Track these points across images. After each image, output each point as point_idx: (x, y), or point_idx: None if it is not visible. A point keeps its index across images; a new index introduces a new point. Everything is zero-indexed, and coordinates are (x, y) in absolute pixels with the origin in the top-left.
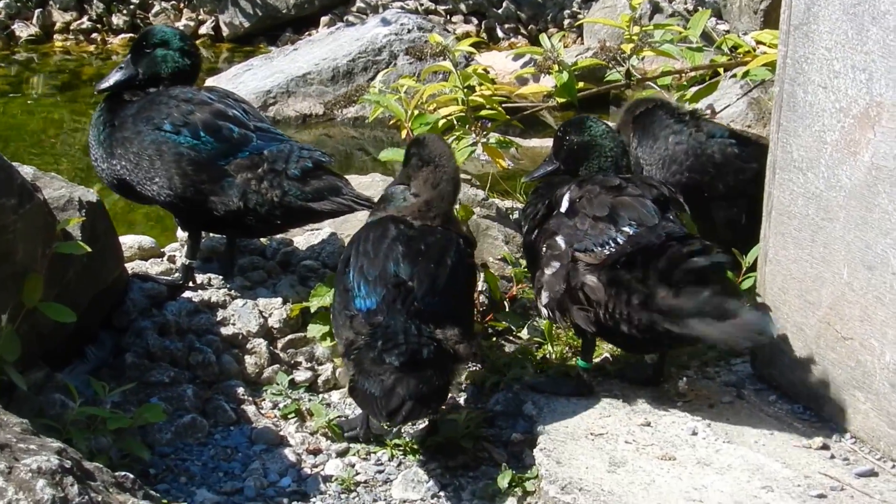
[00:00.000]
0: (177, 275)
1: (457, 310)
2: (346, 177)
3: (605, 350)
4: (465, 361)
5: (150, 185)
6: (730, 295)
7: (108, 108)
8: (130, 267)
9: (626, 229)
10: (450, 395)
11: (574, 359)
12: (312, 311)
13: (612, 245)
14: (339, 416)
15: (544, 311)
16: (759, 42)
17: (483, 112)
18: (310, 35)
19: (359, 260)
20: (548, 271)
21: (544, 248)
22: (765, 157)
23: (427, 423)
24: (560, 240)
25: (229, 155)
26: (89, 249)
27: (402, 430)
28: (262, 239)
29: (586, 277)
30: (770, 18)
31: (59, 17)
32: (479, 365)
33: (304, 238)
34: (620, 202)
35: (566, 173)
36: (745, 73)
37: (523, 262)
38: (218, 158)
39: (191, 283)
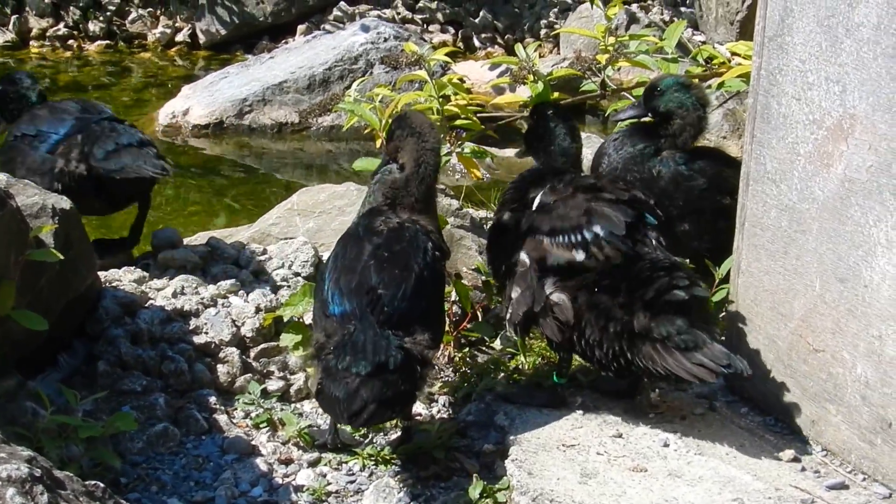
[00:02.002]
0: None
1: (426, 313)
2: (323, 186)
3: (578, 360)
4: (433, 367)
5: None
6: (703, 328)
7: None
8: (103, 275)
9: (598, 230)
10: (421, 405)
11: (546, 369)
12: (285, 320)
13: (580, 244)
14: (310, 426)
15: (510, 329)
16: (734, 53)
17: (458, 122)
18: (286, 43)
19: (336, 272)
20: (515, 291)
21: (511, 264)
22: (714, 170)
23: (401, 431)
24: (524, 256)
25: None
26: (62, 257)
27: (375, 440)
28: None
29: (554, 296)
30: (746, 30)
31: (36, 24)
32: (452, 374)
33: (277, 247)
34: (593, 209)
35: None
36: (720, 85)
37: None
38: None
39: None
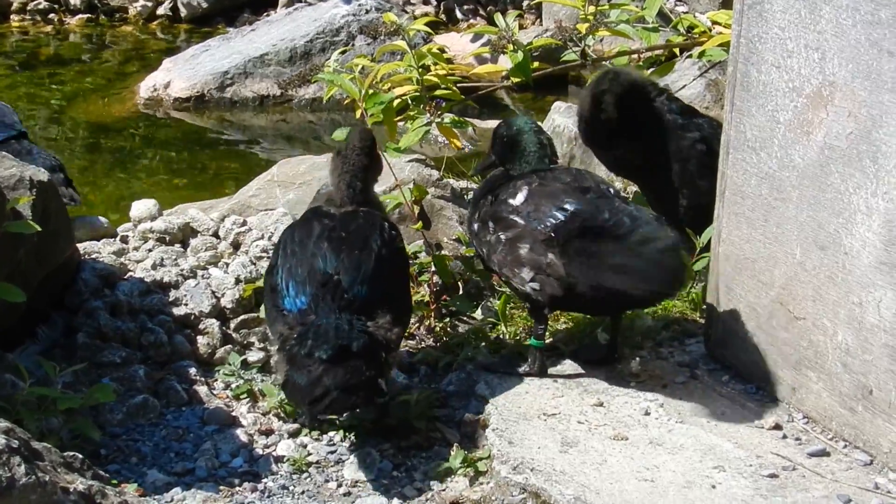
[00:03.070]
0: None
1: (388, 295)
2: (303, 157)
3: (560, 330)
4: (397, 349)
5: None
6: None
7: None
8: (82, 247)
9: (569, 207)
10: (402, 375)
11: (527, 339)
12: None
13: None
14: None
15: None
16: (714, 22)
17: (438, 92)
18: (268, 15)
19: (287, 260)
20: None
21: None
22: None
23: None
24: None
25: None
26: (39, 229)
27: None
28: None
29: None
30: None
31: None
32: (433, 344)
33: (257, 218)
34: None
35: (501, 165)
36: (702, 54)
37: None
38: None
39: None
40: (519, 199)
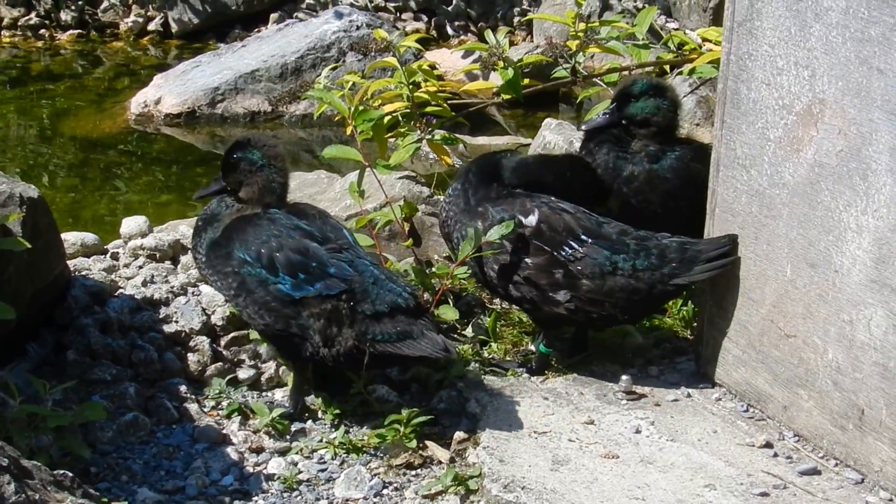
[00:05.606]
0: None
1: None
2: (294, 174)
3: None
4: None
5: None
6: None
7: None
8: (73, 264)
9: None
10: (393, 393)
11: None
12: None
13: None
14: (282, 413)
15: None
16: (705, 39)
17: (428, 108)
18: (259, 32)
19: (271, 254)
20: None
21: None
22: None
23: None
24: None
25: None
26: (29, 245)
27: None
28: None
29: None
30: (719, 16)
31: (7, 13)
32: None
33: None
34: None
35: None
36: (692, 71)
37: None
38: None
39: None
40: None
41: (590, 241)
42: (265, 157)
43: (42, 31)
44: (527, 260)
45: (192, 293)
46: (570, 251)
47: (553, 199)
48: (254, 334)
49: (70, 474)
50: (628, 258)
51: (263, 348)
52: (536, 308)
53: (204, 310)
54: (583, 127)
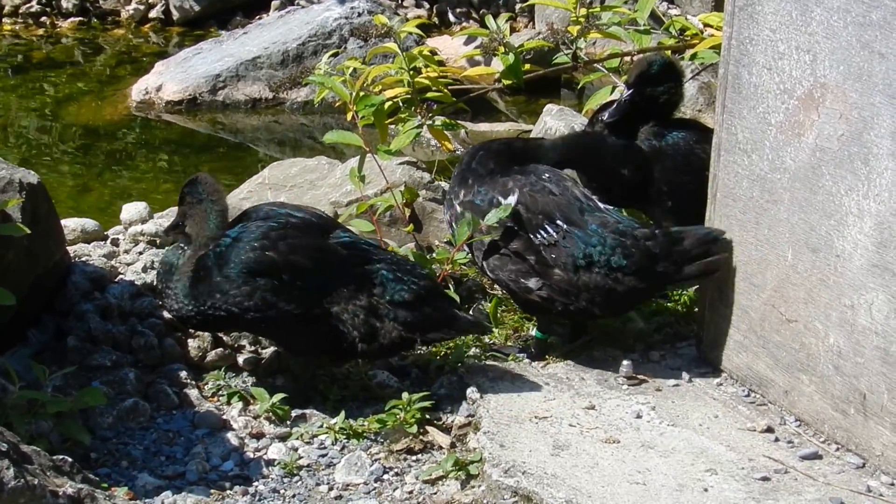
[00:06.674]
0: None
1: None
2: (294, 160)
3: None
4: None
5: None
6: None
7: None
8: (73, 250)
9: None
10: (394, 378)
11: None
12: None
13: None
14: (283, 398)
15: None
16: (706, 24)
17: (429, 94)
18: (260, 19)
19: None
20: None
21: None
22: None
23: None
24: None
25: None
26: (28, 231)
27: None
28: None
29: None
30: (720, 1)
31: (8, 1)
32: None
33: None
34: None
35: None
36: (693, 56)
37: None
38: None
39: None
40: None
41: (565, 227)
42: (205, 192)
43: (43, 18)
44: (503, 242)
45: None
46: (545, 235)
47: (548, 176)
48: None
49: (69, 459)
50: (603, 252)
51: None
52: (512, 292)
53: None
54: (605, 118)
